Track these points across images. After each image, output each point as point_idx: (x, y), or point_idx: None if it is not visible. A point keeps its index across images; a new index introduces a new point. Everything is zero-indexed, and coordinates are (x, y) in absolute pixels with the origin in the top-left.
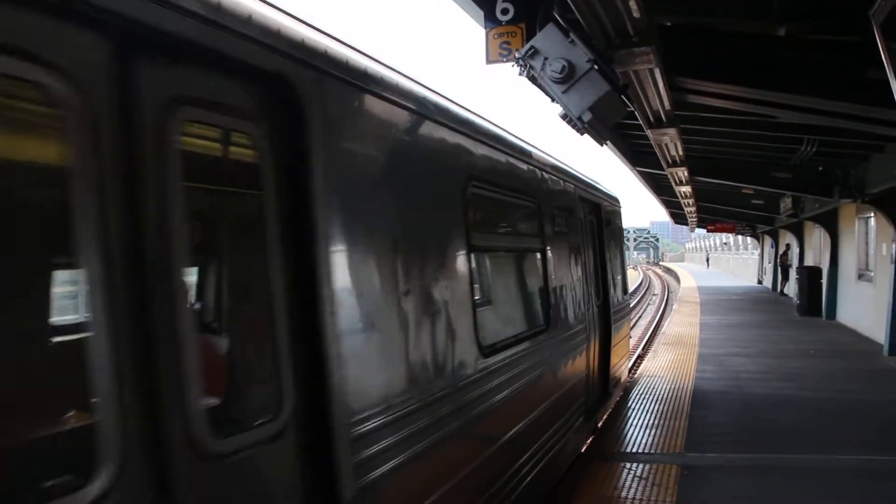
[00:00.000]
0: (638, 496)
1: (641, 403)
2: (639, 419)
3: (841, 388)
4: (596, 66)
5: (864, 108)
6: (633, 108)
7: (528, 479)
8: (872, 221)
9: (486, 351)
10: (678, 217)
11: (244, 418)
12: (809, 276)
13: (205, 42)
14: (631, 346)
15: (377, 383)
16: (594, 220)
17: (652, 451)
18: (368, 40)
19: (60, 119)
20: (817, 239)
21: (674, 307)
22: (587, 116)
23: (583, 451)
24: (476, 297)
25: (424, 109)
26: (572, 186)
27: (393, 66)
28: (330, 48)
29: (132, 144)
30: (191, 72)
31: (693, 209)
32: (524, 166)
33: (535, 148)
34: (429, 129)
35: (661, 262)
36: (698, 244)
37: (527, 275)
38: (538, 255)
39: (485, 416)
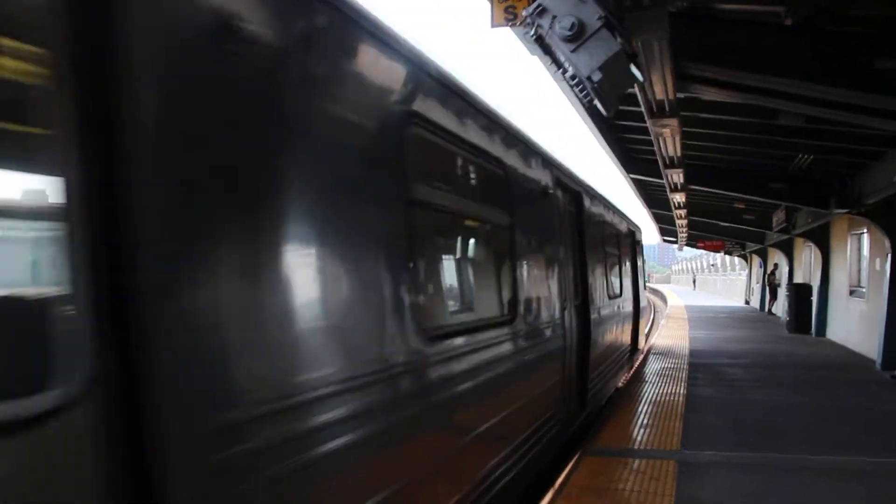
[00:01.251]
0: (636, 488)
1: (636, 405)
2: (633, 420)
3: (836, 395)
4: (607, 25)
5: (870, 96)
6: (640, 81)
7: (619, 364)
8: (865, 237)
9: (609, 295)
10: (667, 233)
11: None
12: (799, 293)
13: (568, 185)
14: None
15: (594, 296)
16: (631, 240)
17: (648, 448)
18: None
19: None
20: (807, 257)
21: (662, 323)
22: (597, 76)
23: (620, 385)
24: (606, 272)
25: (598, 195)
26: (626, 223)
27: (591, 185)
28: (584, 182)
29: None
30: (568, 194)
31: (684, 222)
32: (613, 213)
33: (615, 203)
34: (595, 205)
35: (647, 284)
36: (684, 266)
37: (616, 266)
38: (618, 257)
39: (611, 324)
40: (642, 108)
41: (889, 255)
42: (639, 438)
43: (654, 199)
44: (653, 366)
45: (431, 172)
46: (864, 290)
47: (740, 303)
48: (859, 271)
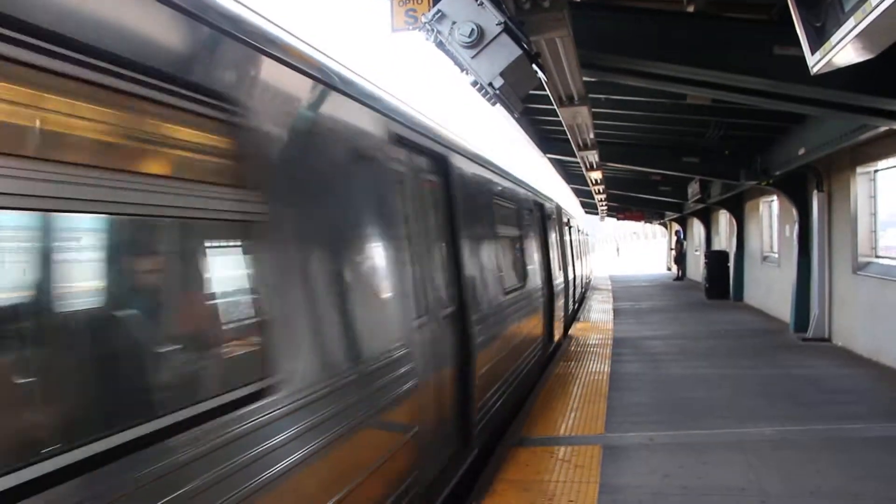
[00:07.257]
0: (561, 479)
1: (559, 387)
2: (557, 404)
3: (753, 363)
4: (506, 30)
5: (770, 82)
6: (544, 81)
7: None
8: (775, 205)
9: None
10: (589, 206)
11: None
12: (717, 260)
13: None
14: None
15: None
16: (580, 233)
17: (572, 435)
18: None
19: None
20: (723, 224)
21: (586, 294)
22: (498, 82)
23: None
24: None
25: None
26: (579, 227)
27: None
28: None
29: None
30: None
31: (603, 196)
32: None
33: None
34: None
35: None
36: (608, 233)
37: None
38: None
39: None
40: (551, 97)
41: (796, 223)
42: (562, 426)
43: (573, 175)
44: (579, 340)
45: None
46: (776, 255)
47: (662, 269)
48: (771, 237)
